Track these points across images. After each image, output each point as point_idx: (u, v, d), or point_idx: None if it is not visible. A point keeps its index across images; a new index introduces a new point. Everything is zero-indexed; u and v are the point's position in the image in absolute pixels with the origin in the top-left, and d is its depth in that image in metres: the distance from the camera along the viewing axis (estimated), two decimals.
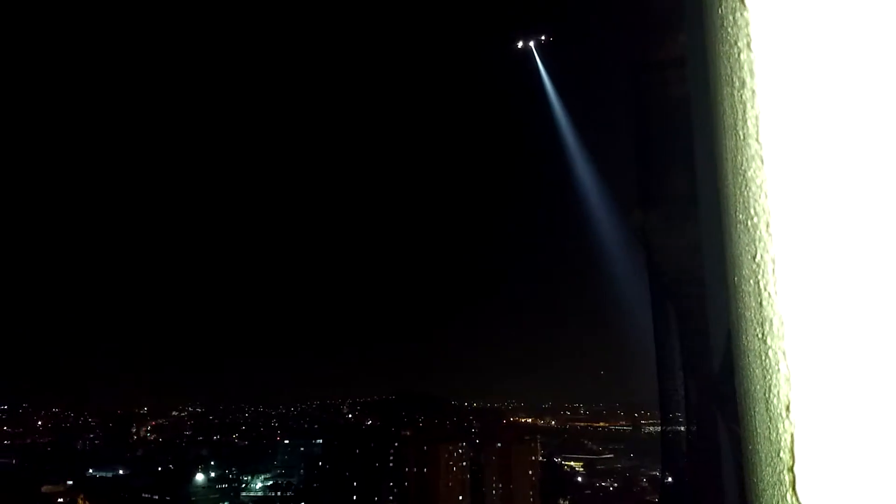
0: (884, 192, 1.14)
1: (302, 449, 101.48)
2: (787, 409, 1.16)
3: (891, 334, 1.11)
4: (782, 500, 1.15)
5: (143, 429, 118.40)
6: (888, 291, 1.11)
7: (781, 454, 1.12)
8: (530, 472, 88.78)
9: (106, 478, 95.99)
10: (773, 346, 1.23)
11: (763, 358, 1.20)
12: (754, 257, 1.22)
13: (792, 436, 1.15)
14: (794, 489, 1.13)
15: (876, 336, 1.11)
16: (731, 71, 1.24)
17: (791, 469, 1.14)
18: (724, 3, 1.24)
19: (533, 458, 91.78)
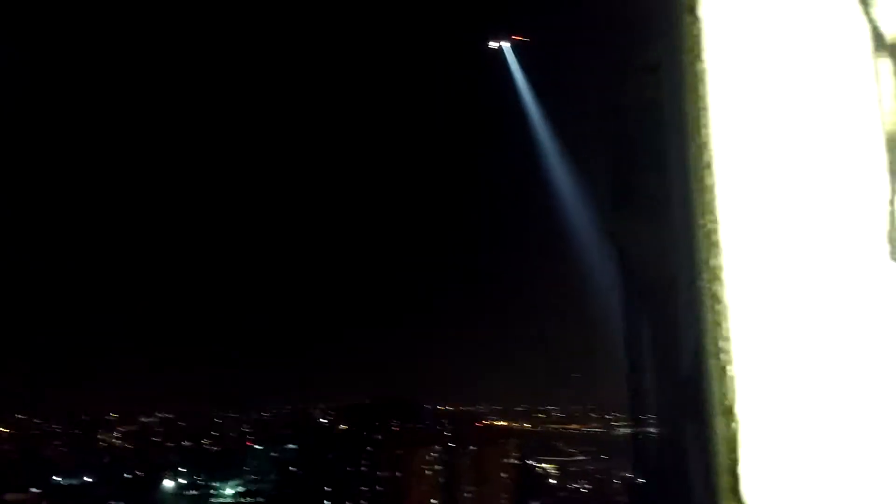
0: (828, 201, 1.18)
1: (273, 454, 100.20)
2: (732, 409, 1.20)
3: (827, 338, 1.15)
4: (728, 500, 1.19)
5: (111, 435, 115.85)
6: (824, 298, 1.16)
7: (731, 454, 1.16)
8: (504, 475, 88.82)
9: (72, 485, 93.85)
10: (724, 349, 1.27)
11: (718, 361, 1.25)
12: (709, 262, 1.26)
13: (736, 436, 1.18)
14: (735, 490, 1.17)
15: (815, 340, 1.15)
16: (691, 79, 1.27)
17: (734, 470, 1.18)
18: (685, 14, 1.27)
19: (506, 460, 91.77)
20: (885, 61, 1.25)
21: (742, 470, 1.18)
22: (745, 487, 1.17)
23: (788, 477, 1.15)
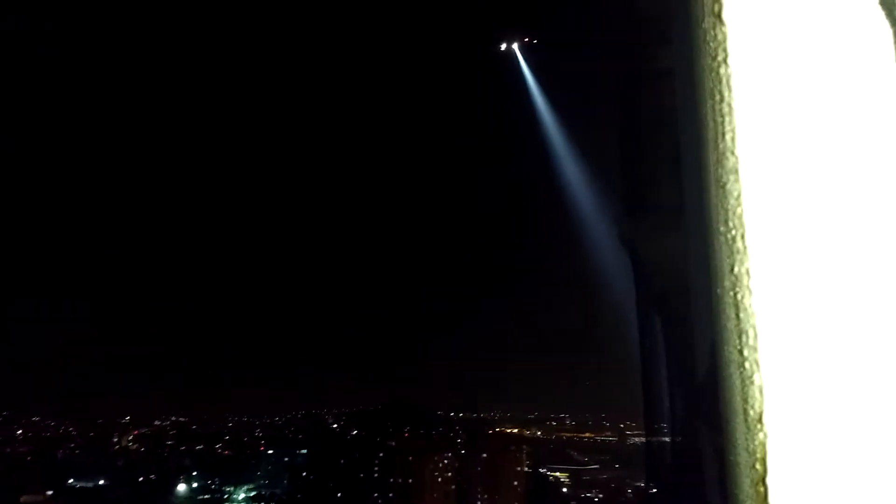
0: (856, 207, 1.16)
1: (286, 459, 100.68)
2: (760, 419, 1.18)
3: (859, 347, 1.13)
4: None
5: (125, 438, 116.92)
6: (857, 305, 1.13)
7: (757, 465, 1.14)
8: (516, 483, 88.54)
9: (87, 488, 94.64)
10: (750, 358, 1.25)
11: (741, 369, 1.23)
12: (732, 269, 1.24)
13: (764, 446, 1.16)
14: (765, 501, 1.14)
15: (846, 349, 1.13)
16: (713, 84, 1.26)
17: (763, 480, 1.16)
18: (706, 18, 1.26)
19: (519, 468, 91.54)
20: None
21: (771, 481, 1.16)
22: (774, 499, 1.15)
23: (818, 488, 1.13)
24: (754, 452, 1.18)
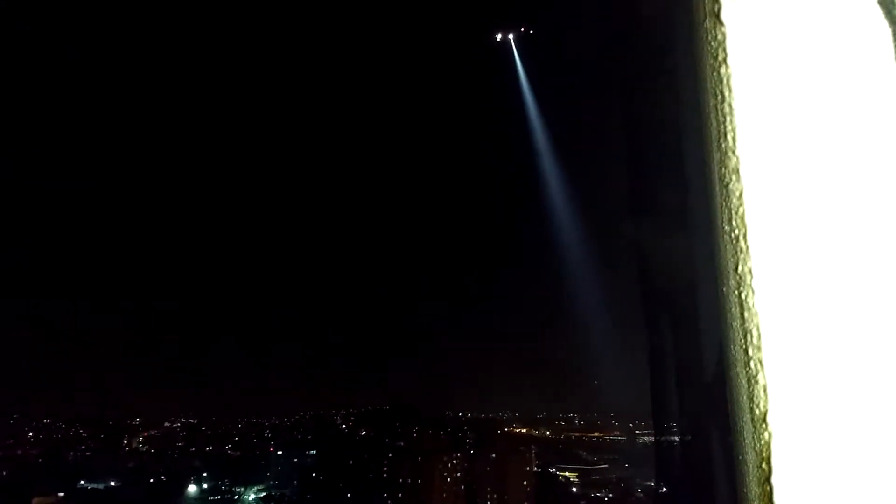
0: (856, 205, 1.16)
1: (295, 460, 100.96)
2: (765, 419, 1.18)
3: (861, 345, 1.13)
4: None
5: (135, 440, 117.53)
6: (859, 304, 1.14)
7: (763, 465, 1.14)
8: (525, 483, 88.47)
9: (97, 489, 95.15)
10: (754, 357, 1.25)
11: (746, 368, 1.23)
12: (736, 268, 1.24)
13: (769, 446, 1.17)
14: (770, 500, 1.15)
15: (848, 347, 1.13)
16: (714, 84, 1.26)
17: (769, 479, 1.16)
18: (707, 18, 1.26)
19: (527, 468, 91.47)
20: None
21: (776, 480, 1.16)
22: (779, 498, 1.15)
23: (823, 487, 1.13)
24: (760, 451, 1.19)
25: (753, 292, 1.18)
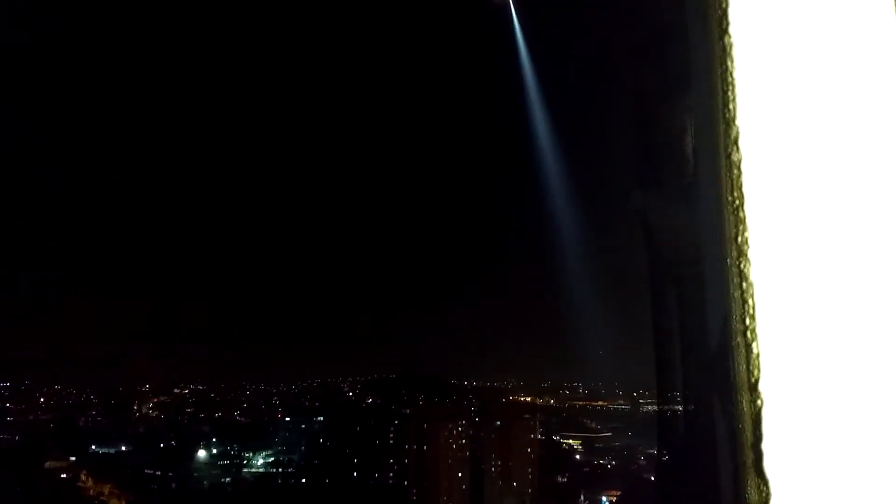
0: (851, 184, 1.17)
1: (303, 426, 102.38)
2: (757, 386, 1.20)
3: (852, 319, 1.14)
4: (751, 476, 1.20)
5: (145, 406, 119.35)
6: (850, 279, 1.15)
7: (755, 431, 1.17)
8: (529, 450, 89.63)
9: (108, 454, 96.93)
10: (750, 326, 1.27)
11: (743, 337, 1.26)
12: (736, 238, 1.26)
13: (760, 412, 1.19)
14: (759, 466, 1.18)
15: (840, 321, 1.15)
16: (718, 55, 1.26)
17: (759, 445, 1.19)
18: None
19: (532, 435, 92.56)
20: None
21: (765, 446, 1.19)
22: (769, 464, 1.18)
23: (811, 454, 1.15)
24: (753, 418, 1.21)
25: (750, 262, 1.20)
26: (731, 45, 1.25)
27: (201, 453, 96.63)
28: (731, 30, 1.25)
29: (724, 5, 1.25)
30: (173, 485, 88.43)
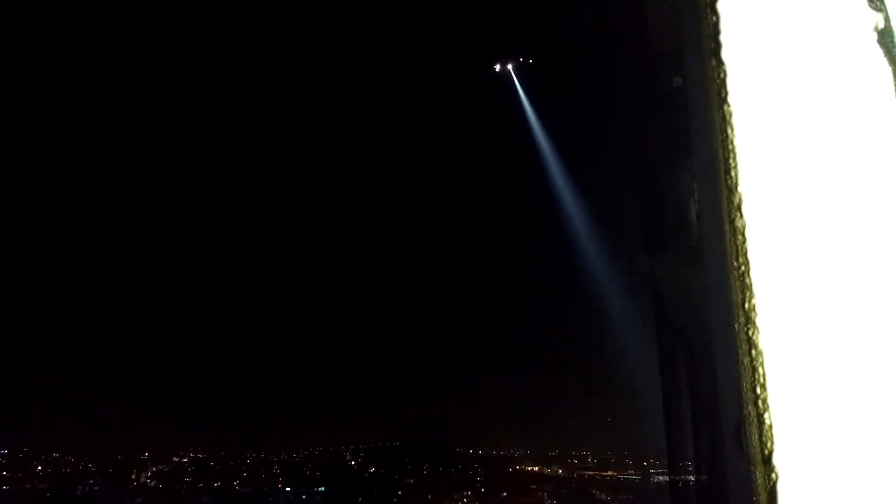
0: (856, 246, 1.16)
1: (304, 497, 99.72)
2: (771, 459, 1.17)
3: (866, 385, 1.12)
4: None
5: (144, 475, 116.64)
6: (862, 342, 1.13)
7: None
8: None
9: None
10: (761, 396, 1.24)
11: (755, 407, 1.23)
12: (744, 305, 1.24)
13: (776, 486, 1.15)
14: None
15: (853, 387, 1.12)
16: (718, 122, 1.28)
17: None
18: (708, 58, 1.28)
19: None
20: None
21: None
22: None
23: None
24: (768, 492, 1.17)
25: (759, 330, 1.18)
26: (730, 114, 1.27)
27: None
28: (731, 99, 1.27)
29: (722, 75, 1.28)
30: None
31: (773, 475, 1.13)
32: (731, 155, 1.27)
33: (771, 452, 1.16)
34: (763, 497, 1.16)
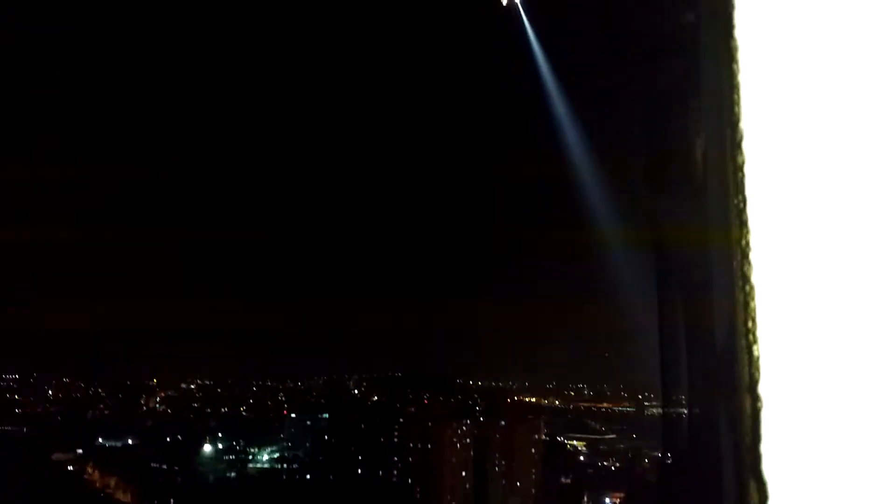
0: (852, 185, 1.17)
1: (308, 423, 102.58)
2: (756, 388, 1.21)
3: (853, 323, 1.15)
4: (750, 478, 1.21)
5: (152, 400, 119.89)
6: (852, 282, 1.16)
7: (753, 433, 1.18)
8: (533, 451, 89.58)
9: (115, 447, 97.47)
10: (752, 330, 1.28)
11: (746, 340, 1.27)
12: (740, 241, 1.27)
13: (759, 414, 1.20)
14: (757, 468, 1.19)
15: (840, 324, 1.15)
16: (725, 57, 1.27)
17: (758, 447, 1.19)
18: None
19: (536, 436, 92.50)
20: None
21: (764, 448, 1.19)
22: (767, 466, 1.18)
23: (809, 457, 1.16)
24: (752, 420, 1.22)
25: (752, 265, 1.21)
26: (736, 48, 1.26)
27: (207, 448, 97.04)
28: (737, 32, 1.26)
29: (730, 8, 1.26)
30: (179, 478, 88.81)
31: (759, 404, 1.18)
32: (736, 90, 1.26)
33: (756, 382, 1.21)
34: (748, 424, 1.22)
